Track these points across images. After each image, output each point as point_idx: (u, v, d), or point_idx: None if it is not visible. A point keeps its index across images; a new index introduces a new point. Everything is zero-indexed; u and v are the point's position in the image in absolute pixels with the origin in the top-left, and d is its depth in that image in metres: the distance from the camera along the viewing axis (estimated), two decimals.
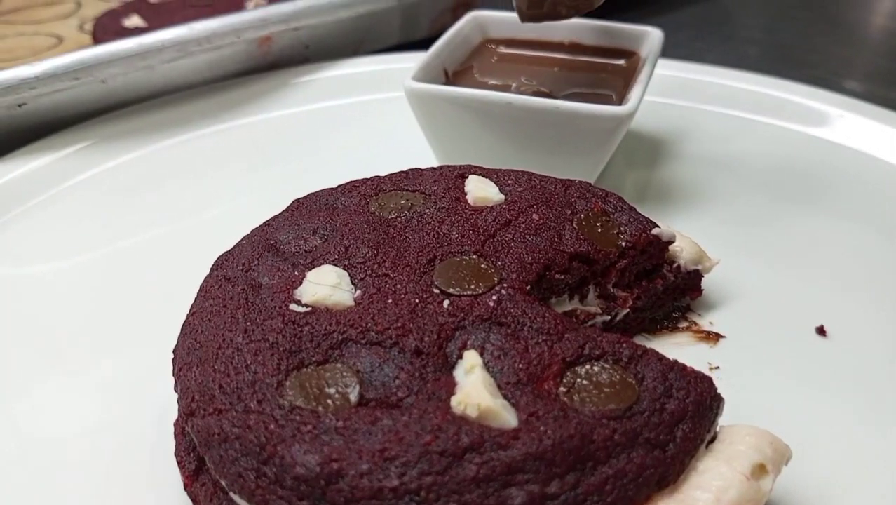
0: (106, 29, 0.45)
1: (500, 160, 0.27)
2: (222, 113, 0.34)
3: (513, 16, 0.33)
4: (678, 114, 0.34)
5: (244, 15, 0.34)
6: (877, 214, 0.28)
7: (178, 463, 0.18)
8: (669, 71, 0.36)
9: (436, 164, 0.29)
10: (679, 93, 0.35)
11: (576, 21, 0.33)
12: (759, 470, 0.16)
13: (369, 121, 0.34)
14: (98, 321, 0.24)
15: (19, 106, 0.29)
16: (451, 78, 0.31)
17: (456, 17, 0.43)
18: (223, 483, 0.16)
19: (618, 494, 0.15)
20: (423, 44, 0.42)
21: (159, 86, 0.33)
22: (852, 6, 0.57)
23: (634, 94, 0.26)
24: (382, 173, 0.25)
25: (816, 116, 0.33)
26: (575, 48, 0.33)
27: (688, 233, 0.24)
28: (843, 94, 0.41)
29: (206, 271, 0.21)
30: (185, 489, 0.18)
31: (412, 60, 0.37)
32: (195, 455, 0.17)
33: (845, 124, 0.33)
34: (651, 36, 0.31)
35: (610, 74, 0.31)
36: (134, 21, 0.45)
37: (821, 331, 0.23)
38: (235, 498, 0.16)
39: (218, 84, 0.35)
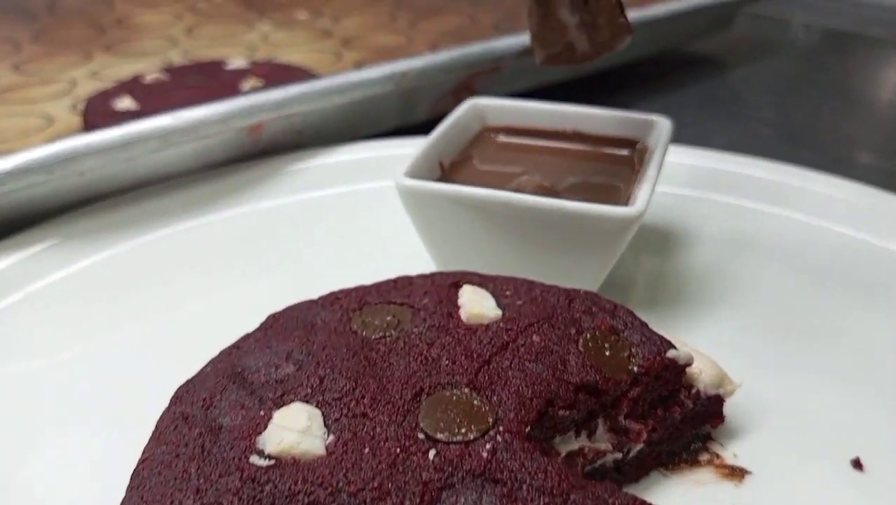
0: (96, 111, 0.44)
1: (498, 262, 0.25)
2: (208, 204, 0.32)
3: (513, 103, 0.32)
4: (689, 205, 0.32)
5: (233, 102, 0.32)
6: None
7: None
8: (678, 158, 0.34)
9: (430, 261, 0.27)
10: (689, 181, 0.33)
11: (578, 109, 0.31)
12: None
13: (364, 211, 0.33)
14: (46, 446, 0.21)
15: None
16: (448, 171, 0.29)
17: (457, 100, 0.42)
18: None
19: None
20: (423, 127, 0.41)
21: (141, 176, 0.32)
22: (862, 80, 0.56)
23: (643, 193, 0.24)
24: (374, 269, 0.24)
25: (843, 208, 0.31)
26: (578, 137, 0.31)
27: (705, 346, 0.22)
28: (861, 175, 0.39)
29: (172, 390, 0.19)
30: None
31: (411, 146, 0.35)
32: None
33: (874, 217, 0.30)
34: (659, 125, 0.29)
35: (616, 165, 0.29)
36: (125, 103, 0.44)
37: (857, 464, 0.20)
38: None
39: (204, 173, 0.33)
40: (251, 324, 0.21)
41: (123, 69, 0.56)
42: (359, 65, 0.55)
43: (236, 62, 0.50)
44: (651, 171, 0.26)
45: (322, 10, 0.70)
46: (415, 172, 0.26)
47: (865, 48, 0.65)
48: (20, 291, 0.28)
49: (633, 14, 0.49)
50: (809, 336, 0.25)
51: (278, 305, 0.22)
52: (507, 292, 0.21)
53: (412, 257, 0.27)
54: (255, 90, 0.44)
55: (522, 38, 0.43)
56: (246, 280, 0.28)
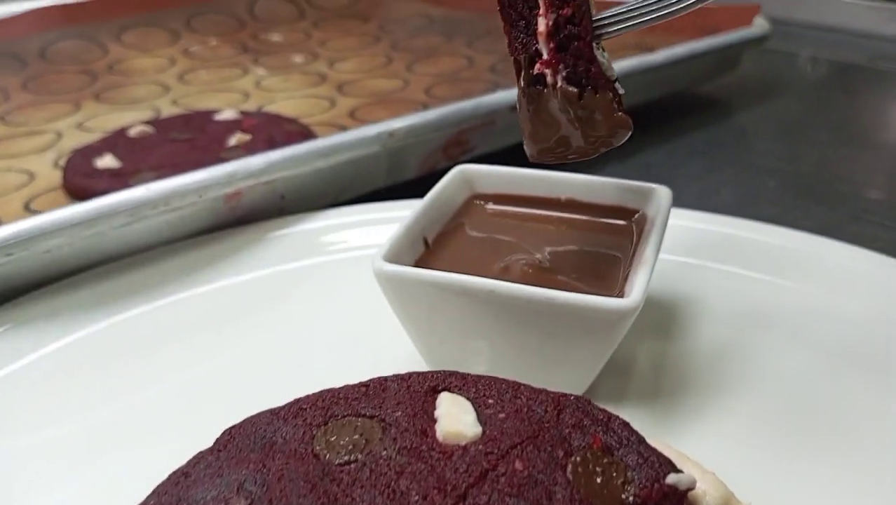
0: (76, 171, 0.42)
1: (484, 351, 0.23)
2: (180, 280, 0.30)
3: (504, 169, 0.30)
4: (693, 274, 0.30)
5: (209, 172, 0.31)
6: None
7: None
8: (680, 221, 0.32)
9: (413, 356, 0.25)
10: (693, 248, 0.31)
11: (573, 176, 0.29)
12: None
13: (347, 281, 0.31)
14: None
15: None
16: (433, 246, 0.27)
17: (448, 156, 0.40)
18: None
19: None
20: (412, 184, 0.39)
21: (111, 250, 0.30)
22: (872, 119, 0.54)
23: (639, 282, 0.22)
24: (353, 350, 0.22)
25: (861, 282, 0.29)
26: (573, 206, 0.29)
27: (710, 454, 0.20)
28: (875, 233, 0.37)
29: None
30: None
31: (399, 209, 0.34)
32: None
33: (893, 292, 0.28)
34: (658, 195, 0.27)
35: (614, 236, 0.27)
36: (107, 161, 0.43)
37: None
38: None
39: (176, 245, 0.31)
40: (214, 417, 0.20)
41: (111, 119, 0.55)
42: (353, 112, 0.53)
43: (226, 113, 0.49)
44: (648, 253, 0.24)
45: (318, 53, 0.69)
46: (394, 254, 0.24)
47: (874, 83, 0.64)
48: None
49: (636, 60, 0.48)
50: (831, 435, 0.23)
51: (247, 400, 0.20)
52: (490, 401, 0.19)
53: (394, 334, 0.25)
54: (239, 146, 0.43)
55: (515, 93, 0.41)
56: (214, 364, 0.26)
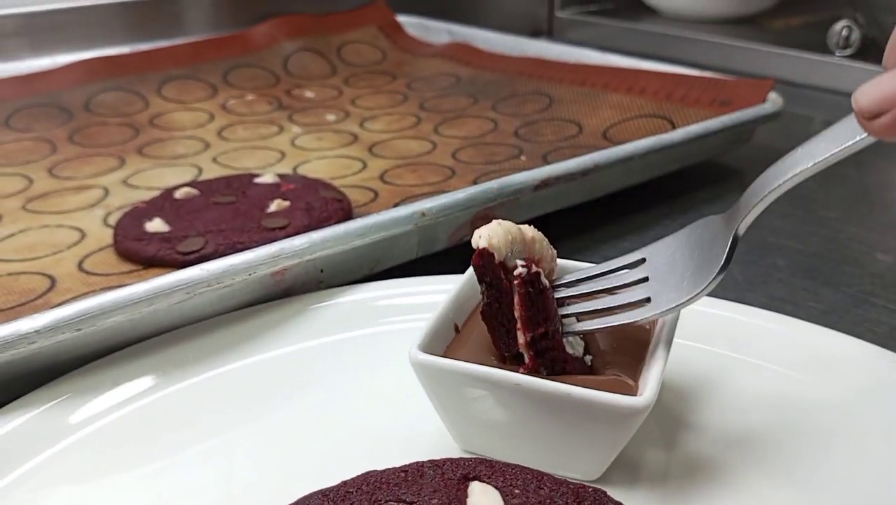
0: (127, 234, 0.45)
1: (506, 436, 0.26)
2: (229, 350, 0.33)
3: None
4: (705, 360, 0.33)
5: (258, 252, 0.33)
6: None
7: None
8: (696, 306, 0.35)
9: (444, 433, 0.28)
10: (703, 335, 0.34)
11: (589, 265, 0.32)
12: None
13: (384, 353, 0.33)
14: None
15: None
16: (462, 330, 0.29)
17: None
18: None
19: None
20: (442, 256, 0.42)
21: (166, 323, 0.33)
22: (885, 204, 0.56)
23: (652, 381, 0.25)
24: (388, 444, 0.24)
25: (867, 377, 0.31)
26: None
27: None
28: (880, 317, 0.39)
29: None
30: None
31: (430, 284, 0.36)
32: None
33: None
34: None
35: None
36: (156, 225, 0.46)
37: None
38: None
39: (225, 317, 0.34)
40: (267, 492, 0.22)
41: (154, 175, 0.58)
42: (383, 174, 0.56)
43: (265, 177, 0.52)
44: (660, 352, 0.26)
45: (349, 111, 0.73)
46: (428, 343, 0.27)
47: (883, 154, 0.66)
48: (50, 436, 0.29)
49: (654, 139, 0.50)
50: None
51: (292, 472, 0.23)
52: (516, 491, 0.22)
53: (427, 408, 0.28)
54: (279, 212, 0.46)
55: (538, 173, 0.44)
56: (265, 439, 0.29)
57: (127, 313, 0.31)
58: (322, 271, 0.37)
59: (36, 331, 0.29)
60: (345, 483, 0.22)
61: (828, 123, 0.26)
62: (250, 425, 0.30)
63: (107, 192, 0.55)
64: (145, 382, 0.31)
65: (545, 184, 0.44)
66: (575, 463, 0.25)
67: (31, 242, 0.48)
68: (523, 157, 0.58)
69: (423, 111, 0.71)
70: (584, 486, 0.22)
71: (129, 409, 0.30)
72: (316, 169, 0.58)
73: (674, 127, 0.58)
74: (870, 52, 0.86)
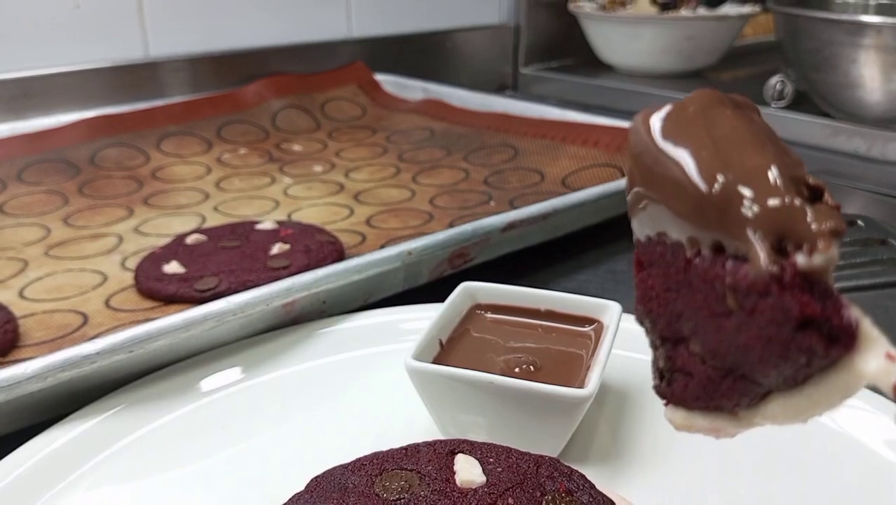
0: (148, 275, 0.51)
1: (484, 425, 0.32)
2: (250, 368, 0.40)
3: (498, 286, 0.40)
4: (640, 367, 0.40)
5: (273, 287, 0.40)
6: (827, 486, 0.32)
7: None
8: (635, 325, 0.42)
9: (432, 425, 0.35)
10: (643, 346, 0.41)
11: (550, 293, 0.39)
12: None
13: (380, 370, 0.40)
14: None
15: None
16: (446, 346, 0.36)
17: (453, 266, 0.50)
18: None
19: None
20: (424, 289, 0.49)
21: (196, 347, 0.39)
22: None
23: (594, 376, 0.32)
24: (389, 436, 0.31)
25: None
26: (550, 315, 0.39)
27: (643, 497, 0.29)
28: None
29: None
30: None
31: (416, 311, 0.43)
32: None
33: None
34: (612, 309, 0.37)
35: (580, 339, 0.37)
36: (173, 267, 0.52)
37: None
38: None
39: (246, 341, 0.41)
40: (298, 478, 0.28)
41: (162, 224, 0.64)
42: (369, 219, 0.63)
43: (265, 224, 0.59)
44: (602, 354, 0.33)
45: (335, 163, 0.80)
46: (419, 353, 0.34)
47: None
48: (107, 440, 0.35)
49: (611, 184, 0.58)
50: (729, 490, 0.32)
51: (317, 461, 0.29)
52: (491, 460, 0.28)
53: (418, 412, 0.35)
54: (281, 254, 0.52)
55: (505, 217, 0.51)
56: (289, 436, 0.35)
57: (168, 338, 0.37)
58: (324, 302, 0.44)
59: (97, 352, 0.35)
60: (359, 459, 0.29)
61: None
62: (275, 428, 0.36)
63: (121, 239, 0.61)
64: (183, 395, 0.38)
65: (511, 226, 0.51)
66: (538, 444, 0.32)
67: (58, 284, 0.54)
68: (492, 203, 0.65)
69: (402, 162, 0.79)
70: (543, 455, 0.29)
71: (172, 416, 0.36)
72: (308, 215, 0.65)
73: (623, 175, 0.66)
74: (801, 103, 0.96)
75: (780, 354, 0.17)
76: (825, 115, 0.91)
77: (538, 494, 0.27)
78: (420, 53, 1.10)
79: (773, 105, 0.97)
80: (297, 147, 0.85)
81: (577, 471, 0.28)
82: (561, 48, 1.26)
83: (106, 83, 0.88)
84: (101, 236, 0.62)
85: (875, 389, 0.18)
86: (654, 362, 0.23)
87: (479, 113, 0.88)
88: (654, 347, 0.22)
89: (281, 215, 0.65)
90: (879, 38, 0.80)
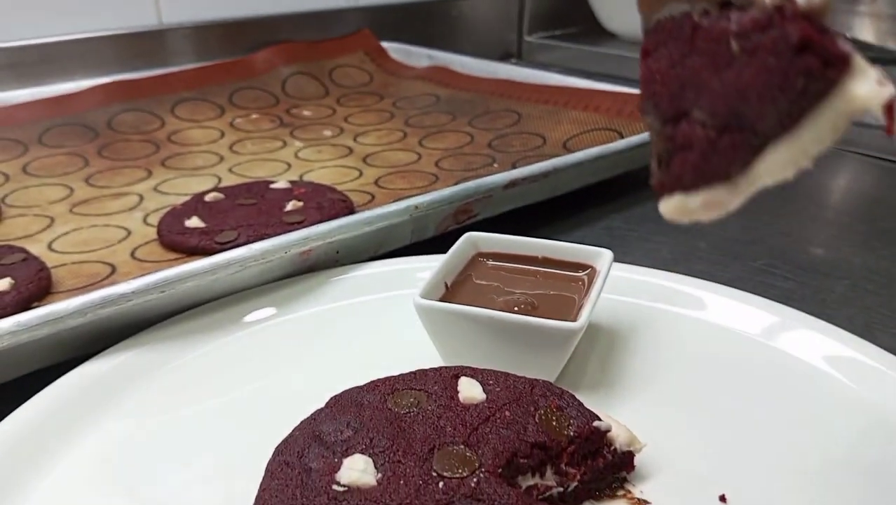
0: (171, 229, 0.55)
1: (484, 357, 0.36)
2: (272, 310, 0.43)
3: (499, 236, 0.43)
4: (626, 309, 0.43)
5: (290, 236, 0.43)
6: (777, 402, 0.36)
7: None
8: (624, 273, 0.45)
9: (438, 360, 0.38)
10: (629, 291, 0.44)
11: (546, 242, 0.42)
12: None
13: (390, 313, 0.43)
14: (192, 485, 0.31)
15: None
16: (451, 288, 0.40)
17: (457, 221, 0.53)
18: None
19: None
20: (430, 241, 0.52)
21: (220, 290, 0.43)
22: (795, 200, 0.68)
23: (585, 312, 0.35)
24: (399, 367, 0.34)
25: (740, 316, 0.42)
26: (547, 262, 0.42)
27: (623, 416, 0.32)
28: (772, 282, 0.50)
29: (270, 448, 0.29)
30: None
31: (422, 262, 0.47)
32: None
33: (764, 324, 0.41)
34: (604, 255, 0.41)
35: (573, 284, 0.40)
36: (194, 222, 0.55)
37: (722, 498, 0.30)
38: None
39: (267, 286, 0.44)
40: (318, 401, 0.32)
41: (180, 184, 0.67)
42: (377, 180, 0.66)
43: (279, 183, 0.62)
44: (593, 294, 0.37)
45: (343, 127, 0.83)
46: (426, 293, 0.37)
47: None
48: (142, 373, 0.38)
49: (602, 147, 0.61)
50: (699, 411, 0.35)
51: (334, 387, 0.33)
52: (490, 382, 0.32)
53: (425, 349, 0.38)
54: (295, 210, 0.56)
55: (507, 175, 0.54)
56: (307, 368, 0.39)
57: (196, 280, 0.40)
58: (338, 252, 0.47)
59: (132, 291, 0.39)
60: (372, 381, 0.32)
61: None
62: (295, 362, 0.40)
63: (141, 198, 0.64)
64: (211, 333, 0.41)
65: (513, 184, 0.54)
66: (533, 372, 0.35)
67: (84, 238, 0.57)
68: (496, 165, 0.68)
69: (409, 127, 0.81)
70: (537, 379, 0.32)
71: (200, 351, 0.40)
72: (320, 177, 0.68)
73: (622, 138, 0.69)
74: None
75: (779, 83, 0.19)
76: None
77: (532, 408, 0.30)
78: (425, 21, 1.12)
79: None
80: (306, 112, 0.87)
81: (567, 391, 0.32)
82: (565, 16, 1.27)
83: (121, 50, 0.91)
84: (123, 195, 0.65)
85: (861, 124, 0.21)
86: (653, 152, 0.24)
87: (483, 79, 0.90)
88: (654, 133, 0.24)
89: (293, 177, 0.68)
90: (874, 7, 0.82)
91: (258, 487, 0.27)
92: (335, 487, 0.26)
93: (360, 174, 0.69)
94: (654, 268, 0.47)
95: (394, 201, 0.51)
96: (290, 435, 0.30)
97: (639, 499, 0.30)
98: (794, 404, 0.36)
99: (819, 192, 0.70)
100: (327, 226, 0.45)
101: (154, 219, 0.59)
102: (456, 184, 0.54)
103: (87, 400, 0.36)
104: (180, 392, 0.37)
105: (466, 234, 0.43)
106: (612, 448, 0.31)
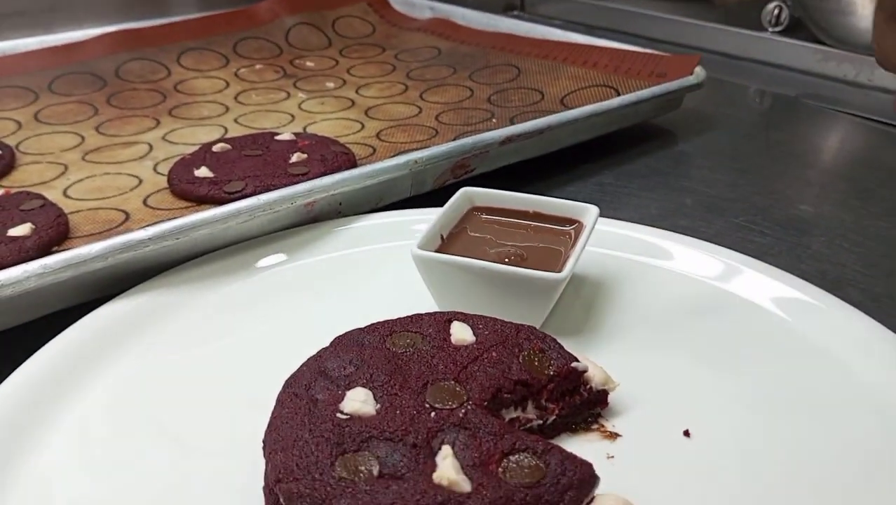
0: (180, 178, 0.57)
1: (475, 303, 0.39)
2: (280, 257, 0.46)
3: (493, 191, 0.46)
4: (610, 261, 0.46)
5: (296, 188, 0.46)
6: (738, 346, 0.39)
7: None
8: (610, 228, 0.48)
9: (433, 305, 0.41)
10: (614, 245, 0.47)
11: (537, 197, 0.45)
12: None
13: (389, 263, 0.46)
14: (208, 413, 0.35)
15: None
16: (446, 240, 0.43)
17: (455, 175, 0.56)
18: None
19: None
20: (428, 195, 0.55)
21: (231, 238, 0.45)
22: (780, 157, 0.70)
23: (569, 263, 0.38)
24: (396, 312, 0.37)
25: (711, 268, 0.45)
26: (537, 216, 0.45)
27: (599, 358, 0.35)
28: (751, 236, 0.53)
29: (280, 382, 0.32)
30: None
31: (420, 214, 0.49)
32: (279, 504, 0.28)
33: (732, 276, 0.44)
34: (590, 211, 0.43)
35: (560, 237, 0.43)
36: (203, 171, 0.57)
37: (686, 433, 0.33)
38: None
39: (274, 235, 0.47)
40: (323, 340, 0.35)
41: (188, 134, 0.69)
42: (378, 133, 0.68)
43: (284, 135, 0.64)
44: (578, 247, 0.40)
45: (346, 79, 0.84)
46: (423, 244, 0.40)
47: (797, 118, 0.79)
48: (155, 315, 0.41)
49: (595, 105, 0.63)
50: (668, 355, 0.39)
51: (338, 329, 0.36)
52: (480, 326, 0.35)
53: (421, 295, 0.41)
54: (300, 162, 0.58)
55: (503, 131, 0.57)
56: (312, 311, 0.42)
57: (209, 228, 0.43)
58: (340, 204, 0.50)
59: (149, 237, 0.41)
60: (372, 324, 0.35)
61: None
62: (302, 305, 0.43)
63: (151, 147, 0.67)
64: (223, 277, 0.44)
65: (509, 140, 0.57)
66: (520, 319, 0.38)
67: (98, 186, 0.59)
68: (494, 120, 0.70)
69: (410, 80, 0.83)
70: (523, 324, 0.35)
71: (213, 295, 0.43)
72: (322, 129, 0.70)
73: (618, 95, 0.71)
74: (797, 29, 0.99)
75: None
76: (818, 41, 0.94)
77: (517, 350, 0.33)
78: None
79: (769, 30, 1.00)
80: (309, 63, 0.89)
81: (550, 336, 0.35)
82: None
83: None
84: (133, 144, 0.67)
85: None
86: None
87: (484, 32, 0.91)
88: None
89: (297, 129, 0.70)
90: None
91: (270, 414, 0.31)
92: (339, 415, 0.29)
93: (362, 127, 0.71)
94: (641, 223, 0.50)
95: (394, 155, 0.53)
96: (298, 370, 0.33)
97: (610, 432, 0.34)
98: (753, 347, 0.39)
99: (806, 151, 0.72)
100: (330, 179, 0.48)
101: (164, 168, 0.61)
102: (454, 139, 0.56)
103: (110, 338, 0.39)
104: (196, 331, 0.41)
105: (462, 189, 0.45)
106: (588, 386, 0.34)
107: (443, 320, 0.35)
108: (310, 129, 0.70)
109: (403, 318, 0.36)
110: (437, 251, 0.41)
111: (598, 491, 0.28)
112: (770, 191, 0.62)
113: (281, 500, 0.27)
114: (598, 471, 0.28)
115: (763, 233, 0.54)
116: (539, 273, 0.37)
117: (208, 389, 0.37)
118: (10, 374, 0.36)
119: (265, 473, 0.29)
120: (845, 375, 0.37)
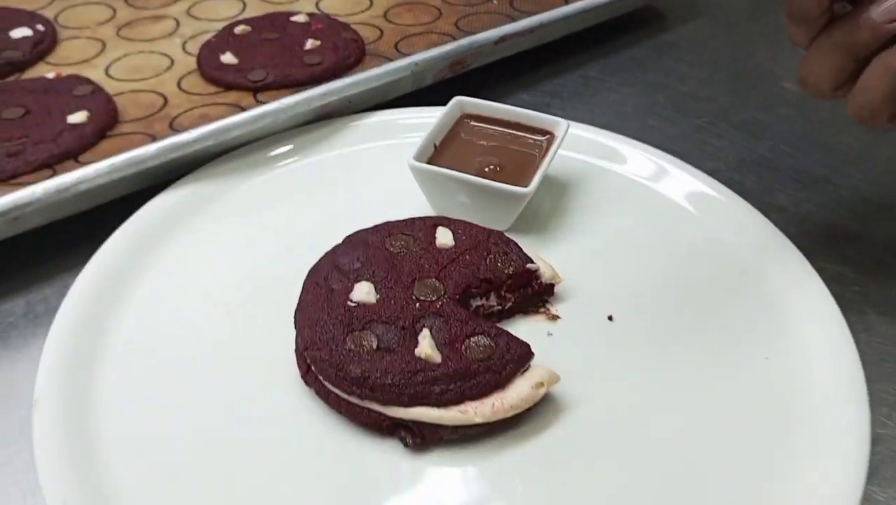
0: (209, 65, 0.64)
1: (460, 207, 0.48)
2: (300, 153, 0.55)
3: (483, 102, 0.54)
4: (578, 166, 0.55)
5: (314, 91, 0.54)
6: (663, 242, 0.49)
7: (298, 366, 0.40)
8: (583, 133, 0.56)
9: (427, 204, 0.51)
10: (585, 149, 0.56)
11: (518, 109, 0.53)
12: (538, 385, 0.38)
13: (395, 157, 0.54)
14: (248, 292, 0.46)
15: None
16: (439, 147, 0.51)
17: (453, 71, 0.63)
18: (321, 378, 0.38)
19: (463, 390, 0.37)
20: (429, 88, 0.62)
21: (258, 135, 0.54)
22: (757, 59, 0.75)
23: (536, 178, 0.47)
24: (398, 206, 0.47)
25: (658, 174, 0.54)
26: (517, 126, 0.53)
27: (553, 258, 0.45)
28: (713, 140, 0.61)
29: (303, 267, 0.43)
30: (302, 378, 0.40)
31: (422, 112, 0.57)
32: (307, 364, 0.40)
33: (669, 179, 0.53)
34: (561, 125, 0.51)
35: (535, 147, 0.52)
36: (228, 58, 0.64)
37: (610, 318, 0.44)
38: (326, 384, 0.38)
39: (295, 130, 0.56)
40: (336, 235, 0.45)
41: (210, 7, 0.74)
42: (385, 12, 0.73)
43: (298, 17, 0.69)
44: (545, 161, 0.48)
45: None
46: (418, 154, 0.49)
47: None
48: (201, 206, 0.51)
49: (585, 2, 0.68)
50: (607, 251, 0.48)
51: (349, 225, 0.46)
52: (459, 231, 0.45)
53: (417, 193, 0.50)
54: (313, 50, 0.65)
55: (499, 31, 0.63)
56: (326, 207, 0.52)
57: (242, 129, 0.52)
58: (350, 101, 0.58)
59: (194, 139, 0.50)
60: (376, 225, 0.45)
61: None
62: (313, 198, 0.53)
63: (178, 22, 0.72)
64: (255, 168, 0.54)
65: (503, 39, 0.63)
66: (492, 222, 0.47)
67: (136, 65, 0.66)
68: (495, 2, 0.75)
69: None
70: (493, 230, 0.45)
71: (247, 184, 0.53)
72: (334, 6, 0.75)
73: None
74: None
75: None
76: None
77: (485, 253, 0.43)
78: None
79: None
80: None
81: (512, 241, 0.45)
82: None
83: None
84: (161, 18, 0.73)
85: None
86: None
87: None
88: None
89: (310, 5, 0.75)
90: None
91: (298, 295, 0.42)
92: (349, 302, 0.40)
93: (371, 5, 0.76)
94: (616, 121, 0.58)
95: (398, 44, 0.60)
96: (318, 263, 0.43)
97: (553, 315, 0.45)
98: (673, 243, 0.49)
99: (785, 61, 0.77)
100: (342, 82, 0.56)
101: (191, 46, 0.68)
102: (456, 24, 0.62)
103: (174, 220, 0.50)
104: (233, 217, 0.51)
105: (455, 99, 0.53)
106: (539, 281, 0.44)
107: (430, 225, 0.45)
108: (321, 6, 0.75)
109: (401, 221, 0.46)
110: (430, 160, 0.50)
111: (533, 363, 0.39)
112: (734, 91, 0.68)
113: (308, 360, 0.39)
114: (538, 346, 0.39)
115: (718, 135, 0.62)
116: (509, 187, 0.47)
117: (249, 269, 0.47)
118: (94, 247, 0.46)
119: (296, 342, 0.40)
120: (732, 262, 0.47)
